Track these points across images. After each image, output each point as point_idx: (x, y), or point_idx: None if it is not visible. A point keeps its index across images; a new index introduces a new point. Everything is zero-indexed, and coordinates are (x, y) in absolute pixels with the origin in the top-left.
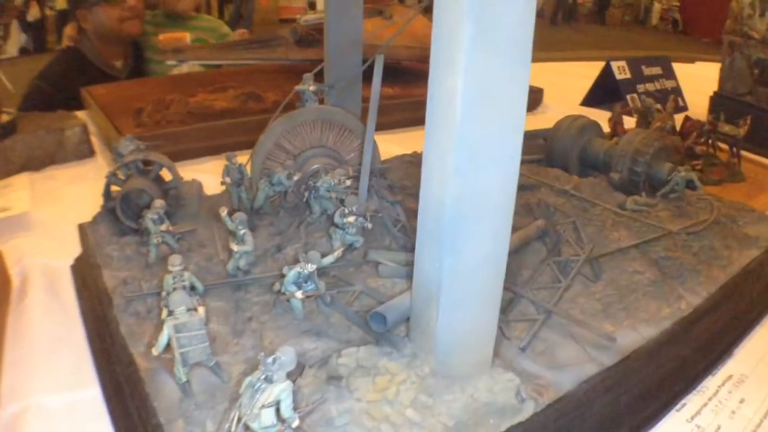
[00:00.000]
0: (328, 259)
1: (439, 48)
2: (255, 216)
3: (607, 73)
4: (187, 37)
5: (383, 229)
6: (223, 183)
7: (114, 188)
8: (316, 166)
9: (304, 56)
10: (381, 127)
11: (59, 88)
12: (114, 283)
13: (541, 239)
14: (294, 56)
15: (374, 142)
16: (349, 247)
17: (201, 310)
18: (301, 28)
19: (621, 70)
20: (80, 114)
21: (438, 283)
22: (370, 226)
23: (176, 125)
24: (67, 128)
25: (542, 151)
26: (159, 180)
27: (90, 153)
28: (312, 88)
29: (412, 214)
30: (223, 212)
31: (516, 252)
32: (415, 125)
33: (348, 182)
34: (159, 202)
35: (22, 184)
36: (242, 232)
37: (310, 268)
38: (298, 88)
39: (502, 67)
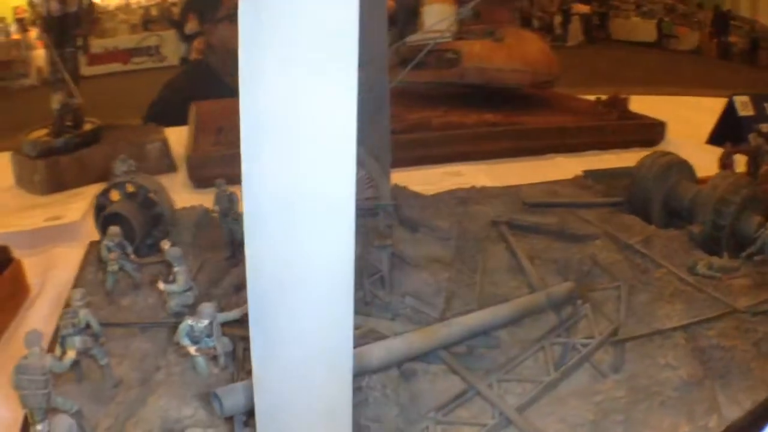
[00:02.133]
0: (229, 315)
1: None
2: (239, 250)
3: (730, 109)
4: None
5: (357, 279)
6: (212, 212)
7: None
8: None
9: (410, 78)
10: (475, 156)
11: (184, 99)
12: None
13: (555, 309)
14: (399, 78)
15: (382, 173)
16: None
17: (70, 354)
18: (406, 48)
19: (744, 107)
20: (180, 129)
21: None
22: None
23: None
24: (149, 142)
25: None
26: (148, 204)
27: (172, 168)
28: None
29: (407, 263)
30: (166, 245)
31: (513, 324)
32: (515, 156)
33: None
34: (113, 230)
35: (90, 193)
36: (176, 269)
37: (203, 323)
38: None
39: (302, 77)
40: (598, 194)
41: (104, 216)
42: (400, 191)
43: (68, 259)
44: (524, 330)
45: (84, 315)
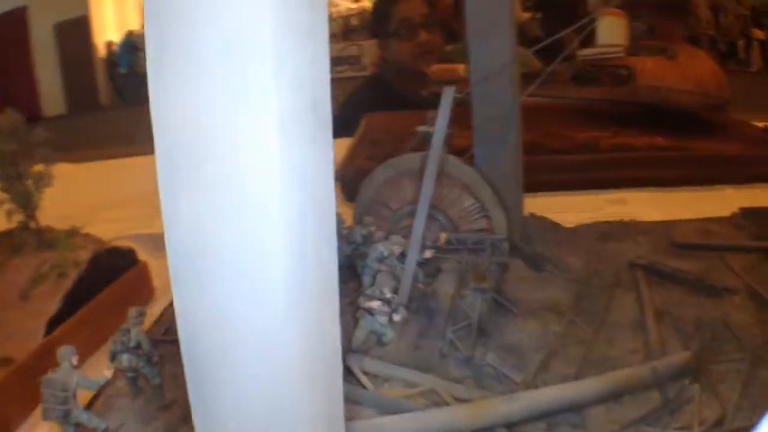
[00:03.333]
0: None
1: None
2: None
3: None
4: (460, 68)
5: (442, 325)
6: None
7: None
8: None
9: (581, 95)
10: (642, 182)
11: (363, 111)
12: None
13: (662, 387)
14: (570, 94)
15: (497, 202)
16: (379, 340)
17: (106, 373)
18: (578, 63)
19: None
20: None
21: None
22: (398, 318)
23: None
24: None
25: None
26: None
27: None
28: (431, 129)
29: (512, 310)
30: None
31: (612, 400)
32: (685, 184)
33: (427, 254)
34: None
35: None
36: None
37: None
38: (420, 129)
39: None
40: (751, 236)
41: None
42: (535, 222)
43: None
44: (622, 407)
45: (135, 334)
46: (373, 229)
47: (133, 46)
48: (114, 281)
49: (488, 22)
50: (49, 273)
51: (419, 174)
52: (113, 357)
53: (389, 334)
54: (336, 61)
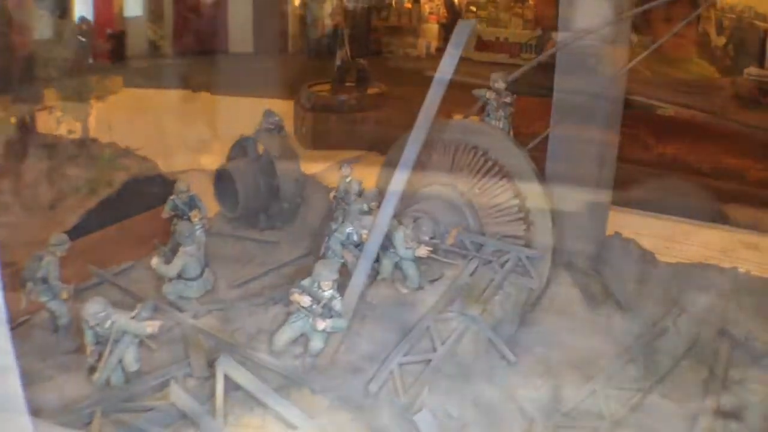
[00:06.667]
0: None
1: None
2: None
3: None
4: None
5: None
6: (331, 197)
7: None
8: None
9: (738, 117)
10: None
11: None
12: None
13: None
14: (727, 115)
15: (545, 208)
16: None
17: None
18: (745, 81)
19: None
20: None
21: None
22: (322, 326)
23: None
24: None
25: None
26: (269, 171)
27: None
28: (490, 94)
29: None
30: (195, 217)
31: None
32: None
33: (421, 251)
34: (179, 186)
35: (342, 158)
36: (181, 249)
37: None
38: (475, 92)
39: None
40: None
41: (217, 171)
42: (620, 245)
43: None
44: None
45: (46, 263)
46: (374, 204)
47: None
48: (151, 209)
49: None
50: (81, 187)
51: (447, 145)
52: (22, 284)
53: (316, 344)
54: (525, 48)
